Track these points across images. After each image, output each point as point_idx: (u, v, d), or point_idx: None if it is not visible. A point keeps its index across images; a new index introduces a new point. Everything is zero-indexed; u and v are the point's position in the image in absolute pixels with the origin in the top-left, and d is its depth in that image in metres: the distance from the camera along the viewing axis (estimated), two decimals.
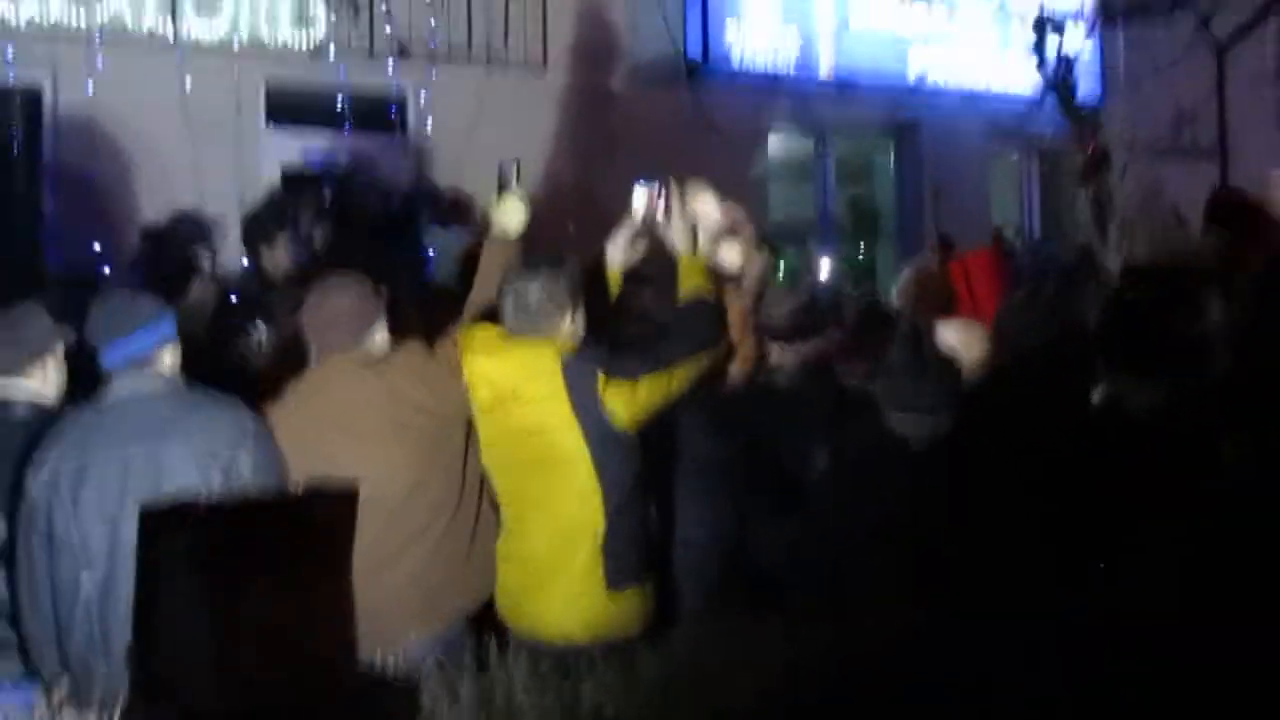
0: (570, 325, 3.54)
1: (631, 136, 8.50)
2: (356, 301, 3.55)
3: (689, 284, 3.62)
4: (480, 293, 3.78)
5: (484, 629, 3.65)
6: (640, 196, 3.91)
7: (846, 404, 3.83)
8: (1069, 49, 9.14)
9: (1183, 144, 10.91)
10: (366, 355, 3.54)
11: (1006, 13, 9.84)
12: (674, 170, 8.52)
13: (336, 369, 3.54)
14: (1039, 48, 9.21)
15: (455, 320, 3.80)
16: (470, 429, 3.60)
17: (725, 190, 9.11)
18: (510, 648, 3.50)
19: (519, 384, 3.43)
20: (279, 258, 5.54)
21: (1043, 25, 9.21)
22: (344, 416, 3.46)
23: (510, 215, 3.90)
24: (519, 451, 3.50)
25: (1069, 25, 9.24)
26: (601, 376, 3.36)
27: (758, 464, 3.74)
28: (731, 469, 3.68)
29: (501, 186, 3.95)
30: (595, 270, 3.96)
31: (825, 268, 9.11)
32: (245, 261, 5.87)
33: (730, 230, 3.94)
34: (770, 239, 8.51)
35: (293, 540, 2.47)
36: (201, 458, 3.14)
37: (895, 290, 5.58)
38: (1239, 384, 3.25)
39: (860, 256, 10.79)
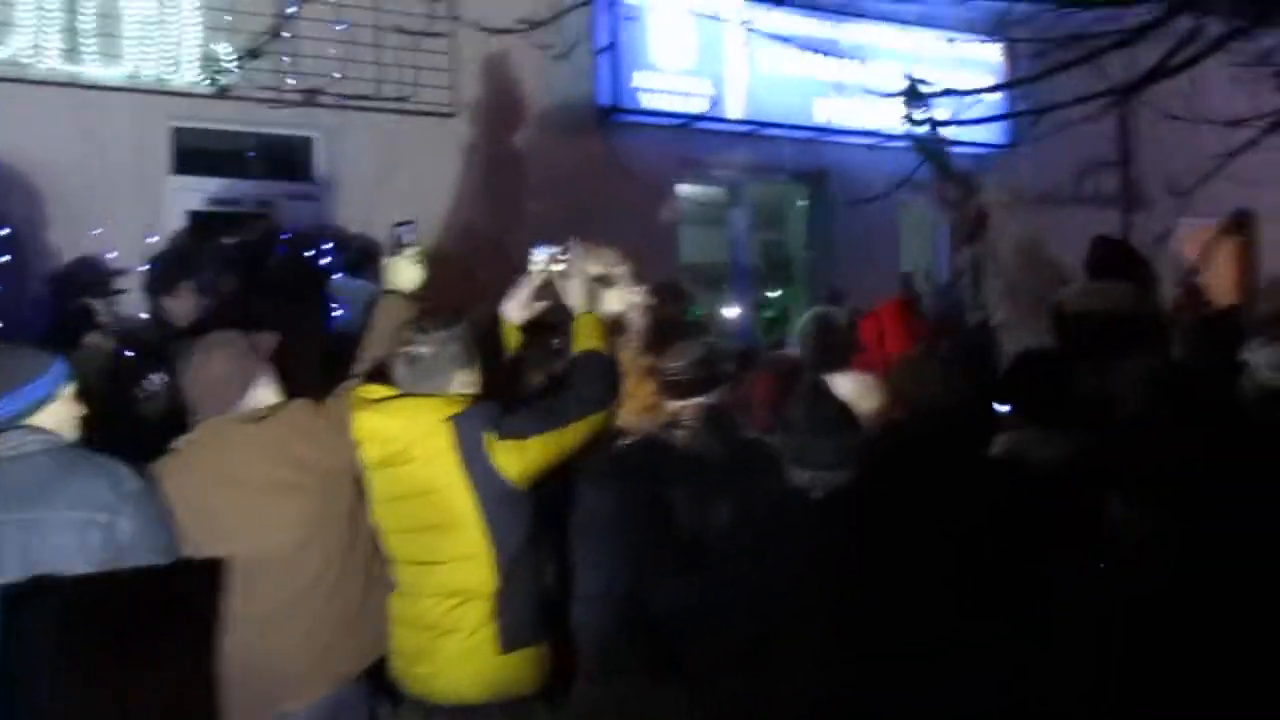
0: (462, 382, 3.49)
1: (543, 183, 8.51)
2: (232, 364, 3.48)
3: (584, 341, 3.60)
4: (371, 349, 3.73)
5: (378, 689, 3.61)
6: (539, 257, 3.89)
7: (748, 458, 3.82)
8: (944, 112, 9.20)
9: (1085, 193, 11.16)
10: (249, 413, 3.48)
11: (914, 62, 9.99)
12: (586, 216, 8.60)
13: (219, 427, 3.47)
14: (909, 115, 9.27)
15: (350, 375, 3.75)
16: (360, 485, 3.54)
17: (637, 236, 9.20)
18: (405, 706, 3.48)
19: (407, 443, 3.37)
20: (181, 306, 5.44)
21: (912, 91, 9.23)
22: (228, 474, 3.38)
23: (403, 275, 3.87)
24: (408, 511, 3.44)
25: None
26: (490, 434, 3.31)
27: (657, 518, 3.71)
28: (630, 523, 3.64)
29: (396, 247, 3.92)
30: (493, 323, 3.93)
31: (733, 315, 9.18)
32: (147, 310, 5.75)
33: (608, 277, 3.93)
34: (681, 285, 8.57)
35: (159, 612, 2.40)
36: (79, 522, 3.03)
37: (797, 339, 5.63)
38: (1132, 441, 3.29)
39: (772, 303, 10.84)
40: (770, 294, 10.87)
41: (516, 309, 3.96)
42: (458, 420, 3.34)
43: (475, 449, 3.31)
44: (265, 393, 3.53)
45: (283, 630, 3.39)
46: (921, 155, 8.97)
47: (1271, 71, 9.67)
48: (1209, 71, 8.83)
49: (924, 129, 8.87)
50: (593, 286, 3.78)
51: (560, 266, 3.83)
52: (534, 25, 6.40)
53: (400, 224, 4.00)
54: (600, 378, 3.51)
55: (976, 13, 9.59)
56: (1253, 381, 5.01)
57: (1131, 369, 4.12)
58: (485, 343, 3.68)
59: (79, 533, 3.02)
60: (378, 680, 3.58)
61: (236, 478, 3.39)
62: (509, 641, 3.35)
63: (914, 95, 9.05)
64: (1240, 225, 6.17)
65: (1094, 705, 2.80)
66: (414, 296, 3.88)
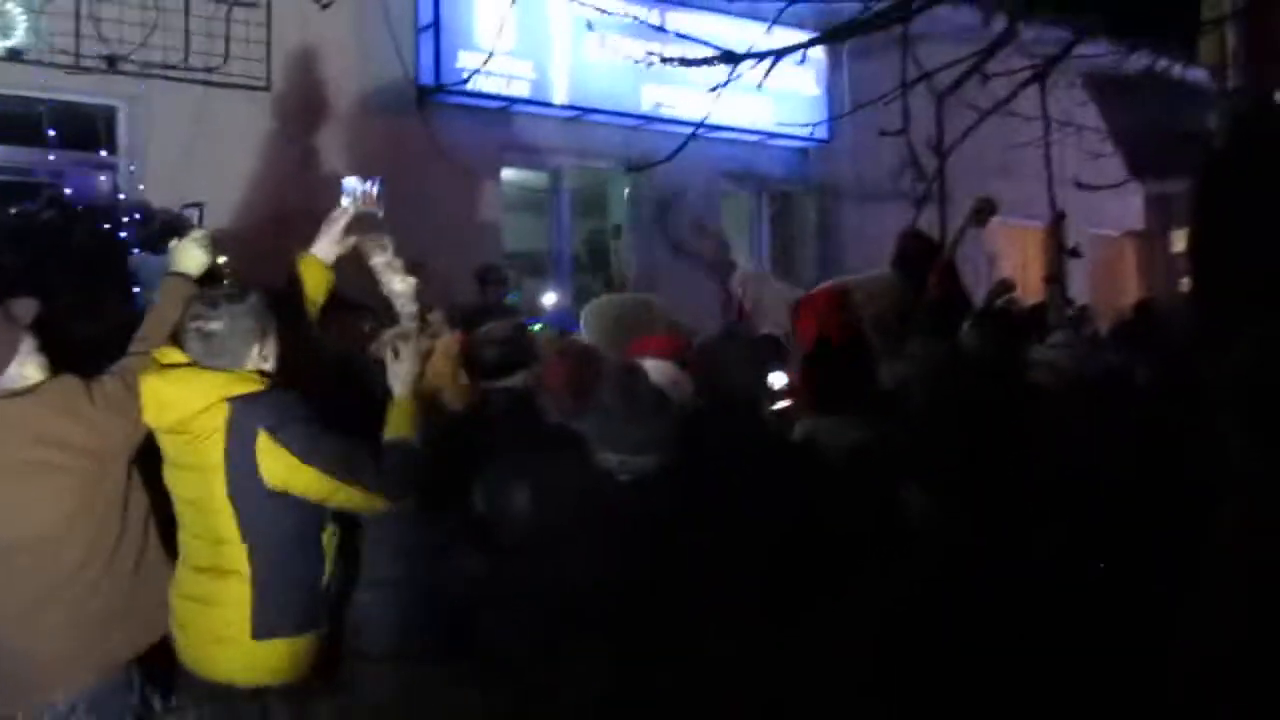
0: (256, 358, 3.34)
1: (360, 163, 8.27)
2: None
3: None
4: (151, 328, 3.53)
5: (153, 673, 3.45)
6: (352, 190, 3.83)
7: (551, 441, 3.76)
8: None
9: (903, 189, 11.43)
10: (5, 389, 3.26)
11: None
12: (405, 199, 8.42)
13: None
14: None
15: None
16: (134, 468, 3.39)
17: (458, 221, 9.07)
18: (179, 691, 3.34)
19: (185, 415, 3.21)
20: None
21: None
22: None
23: (189, 259, 3.70)
24: (182, 480, 3.31)
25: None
26: (265, 434, 3.17)
27: (455, 501, 3.64)
28: (427, 506, 3.55)
29: (181, 230, 3.77)
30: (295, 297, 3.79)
31: (550, 301, 9.12)
32: None
33: (386, 263, 3.86)
34: (500, 270, 8.49)
35: None
36: None
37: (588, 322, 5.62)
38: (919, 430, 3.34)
39: (594, 291, 10.83)
40: (592, 281, 10.88)
41: (329, 245, 3.83)
42: (236, 405, 3.19)
43: (244, 440, 3.17)
44: (27, 366, 3.30)
45: (44, 618, 3.24)
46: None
47: (1077, 80, 10.10)
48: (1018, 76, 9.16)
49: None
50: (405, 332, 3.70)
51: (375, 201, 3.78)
52: None
53: (188, 205, 3.85)
54: (406, 476, 3.36)
55: (803, 9, 9.72)
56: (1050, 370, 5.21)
57: (917, 359, 4.24)
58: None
59: None
60: (154, 663, 3.44)
61: None
62: (263, 629, 3.23)
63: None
64: (1057, 227, 6.44)
65: (882, 693, 2.82)
66: (199, 281, 3.70)
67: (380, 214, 3.87)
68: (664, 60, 6.04)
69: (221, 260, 3.88)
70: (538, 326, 7.63)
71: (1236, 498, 2.63)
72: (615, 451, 3.34)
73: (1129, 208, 15.04)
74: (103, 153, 7.62)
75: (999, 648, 2.67)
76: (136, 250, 6.22)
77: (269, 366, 3.37)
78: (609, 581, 3.23)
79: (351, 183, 3.85)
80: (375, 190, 3.85)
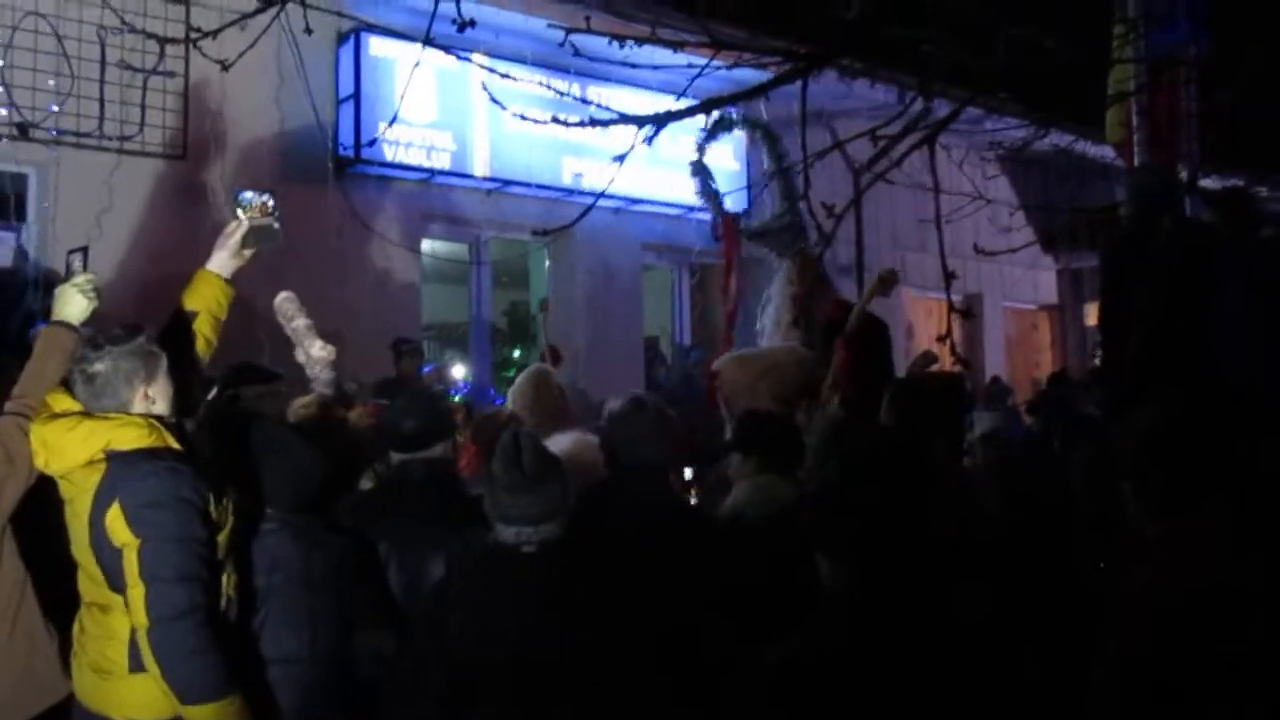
0: (145, 398, 3.25)
1: (283, 216, 8.20)
2: None
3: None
4: (27, 385, 3.43)
5: None
6: (248, 203, 3.78)
7: (465, 513, 3.72)
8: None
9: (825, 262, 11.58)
10: None
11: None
12: (323, 269, 8.35)
13: None
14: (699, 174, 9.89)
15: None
16: (5, 531, 3.35)
17: (377, 291, 9.02)
18: None
19: (70, 467, 3.17)
20: None
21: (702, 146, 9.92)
22: None
23: (71, 305, 3.59)
24: (69, 522, 3.24)
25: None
26: (116, 505, 3.09)
27: (366, 575, 3.58)
28: (336, 580, 3.49)
29: (67, 275, 3.67)
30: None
31: (461, 372, 9.08)
32: None
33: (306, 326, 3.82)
34: (416, 342, 8.45)
35: None
36: None
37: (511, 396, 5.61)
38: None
39: (513, 362, 10.82)
40: (513, 353, 10.86)
41: (226, 258, 3.76)
42: (114, 462, 3.13)
43: (104, 500, 3.10)
44: None
45: None
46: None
47: (995, 154, 10.33)
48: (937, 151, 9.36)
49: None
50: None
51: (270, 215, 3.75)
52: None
53: (73, 251, 3.75)
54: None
55: (718, 83, 9.85)
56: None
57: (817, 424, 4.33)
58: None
59: None
60: None
61: None
62: (140, 664, 3.12)
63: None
64: (885, 282, 6.60)
65: None
66: (80, 328, 3.57)
67: (276, 225, 3.80)
68: (570, 125, 6.12)
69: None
70: (455, 398, 7.61)
71: (1137, 562, 2.69)
72: (508, 524, 3.27)
73: (1043, 282, 15.36)
74: (11, 221, 7.50)
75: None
76: (40, 322, 6.11)
77: (159, 409, 3.27)
78: (514, 653, 3.17)
79: (247, 196, 3.80)
80: (270, 202, 3.78)
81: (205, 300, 3.73)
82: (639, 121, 3.98)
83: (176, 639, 3.04)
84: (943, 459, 3.95)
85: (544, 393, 5.51)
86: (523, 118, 4.41)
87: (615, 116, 3.92)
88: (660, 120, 3.95)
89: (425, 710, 3.25)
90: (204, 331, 3.72)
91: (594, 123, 3.86)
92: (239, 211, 3.79)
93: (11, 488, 3.30)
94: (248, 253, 3.80)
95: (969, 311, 8.73)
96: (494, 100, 4.40)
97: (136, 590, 3.07)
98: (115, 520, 3.08)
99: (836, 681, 2.50)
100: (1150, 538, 2.77)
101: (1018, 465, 5.82)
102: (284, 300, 5.70)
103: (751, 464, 4.31)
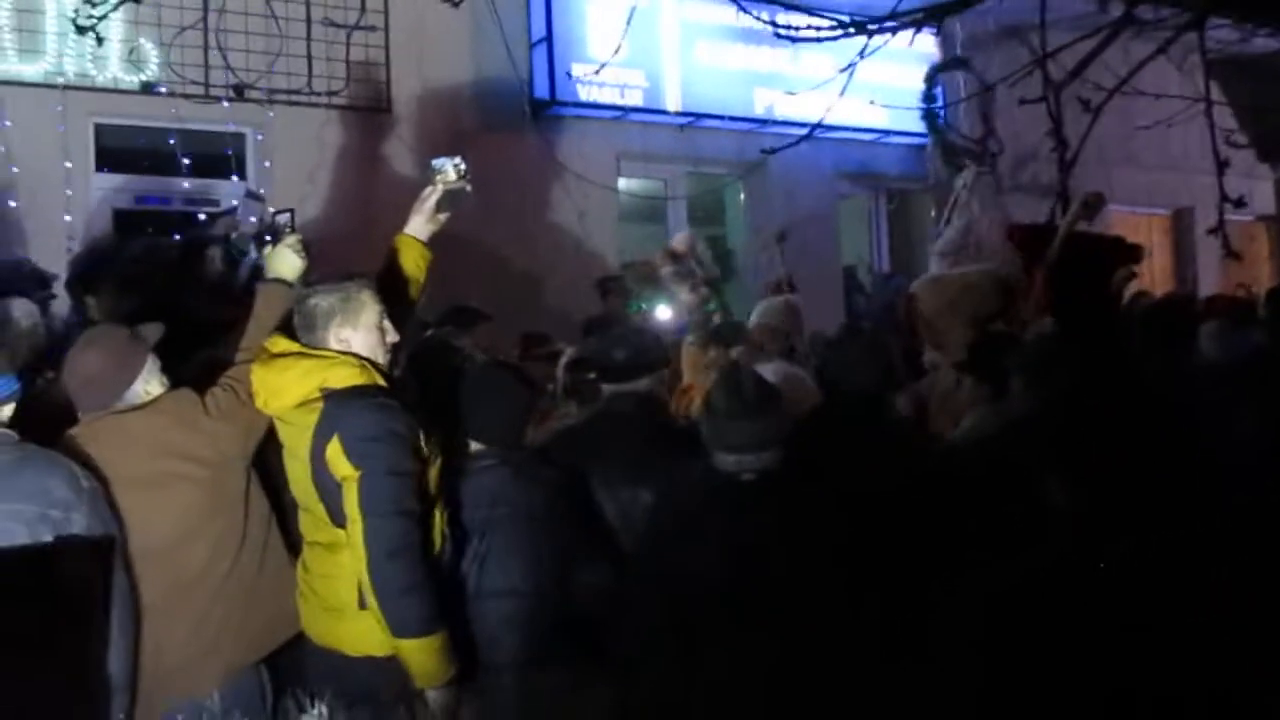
0: (341, 339, 3.43)
1: (478, 178, 8.35)
2: (109, 358, 3.40)
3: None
4: (251, 338, 3.62)
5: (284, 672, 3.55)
6: (442, 169, 3.90)
7: (676, 444, 3.77)
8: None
9: (1024, 182, 11.22)
10: (129, 405, 3.41)
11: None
12: (523, 211, 8.51)
13: (97, 421, 3.40)
14: (927, 98, 9.81)
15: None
16: (251, 471, 3.52)
17: (575, 231, 9.15)
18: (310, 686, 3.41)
19: (289, 405, 3.37)
20: (106, 305, 5.31)
21: (932, 77, 9.82)
22: (111, 468, 3.30)
23: (285, 264, 3.78)
24: (288, 467, 3.46)
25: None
26: (336, 439, 3.24)
27: (579, 508, 3.67)
28: (551, 514, 3.58)
29: (275, 236, 3.85)
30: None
31: (669, 313, 9.11)
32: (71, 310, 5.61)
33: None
34: (623, 279, 8.52)
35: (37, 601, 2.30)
36: (32, 516, 2.96)
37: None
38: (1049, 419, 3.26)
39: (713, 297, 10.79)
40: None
41: (422, 223, 3.91)
42: (330, 401, 3.30)
43: (322, 437, 3.27)
44: (150, 384, 3.46)
45: (168, 623, 3.34)
46: (932, 133, 9.38)
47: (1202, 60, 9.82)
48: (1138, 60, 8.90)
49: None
50: None
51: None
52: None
53: (279, 212, 3.92)
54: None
55: (911, 3, 9.61)
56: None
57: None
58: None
59: (30, 526, 2.95)
60: (282, 665, 3.57)
61: (116, 470, 3.31)
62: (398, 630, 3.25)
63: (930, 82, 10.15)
64: (1089, 206, 6.29)
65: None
66: (295, 285, 3.77)
67: (468, 189, 3.91)
68: (783, 34, 6.04)
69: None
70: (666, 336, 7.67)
71: None
72: (728, 451, 3.32)
73: (1260, 192, 14.55)
74: (234, 179, 7.87)
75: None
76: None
77: (368, 351, 3.44)
78: (734, 581, 3.22)
79: (440, 162, 3.91)
80: (462, 166, 3.89)
81: (405, 263, 3.90)
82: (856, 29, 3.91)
83: (392, 574, 3.19)
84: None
85: (795, 320, 5.54)
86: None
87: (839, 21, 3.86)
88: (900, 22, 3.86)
89: (647, 641, 3.33)
90: (406, 293, 3.88)
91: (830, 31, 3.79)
92: (434, 177, 3.91)
93: (260, 424, 3.50)
94: (442, 217, 3.93)
95: (1237, 254, 8.31)
96: None
97: (356, 524, 3.22)
98: (335, 453, 3.23)
99: (1052, 603, 2.46)
100: None
101: None
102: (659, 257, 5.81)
103: (987, 389, 4.24)
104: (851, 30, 4.01)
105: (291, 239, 3.85)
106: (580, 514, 3.72)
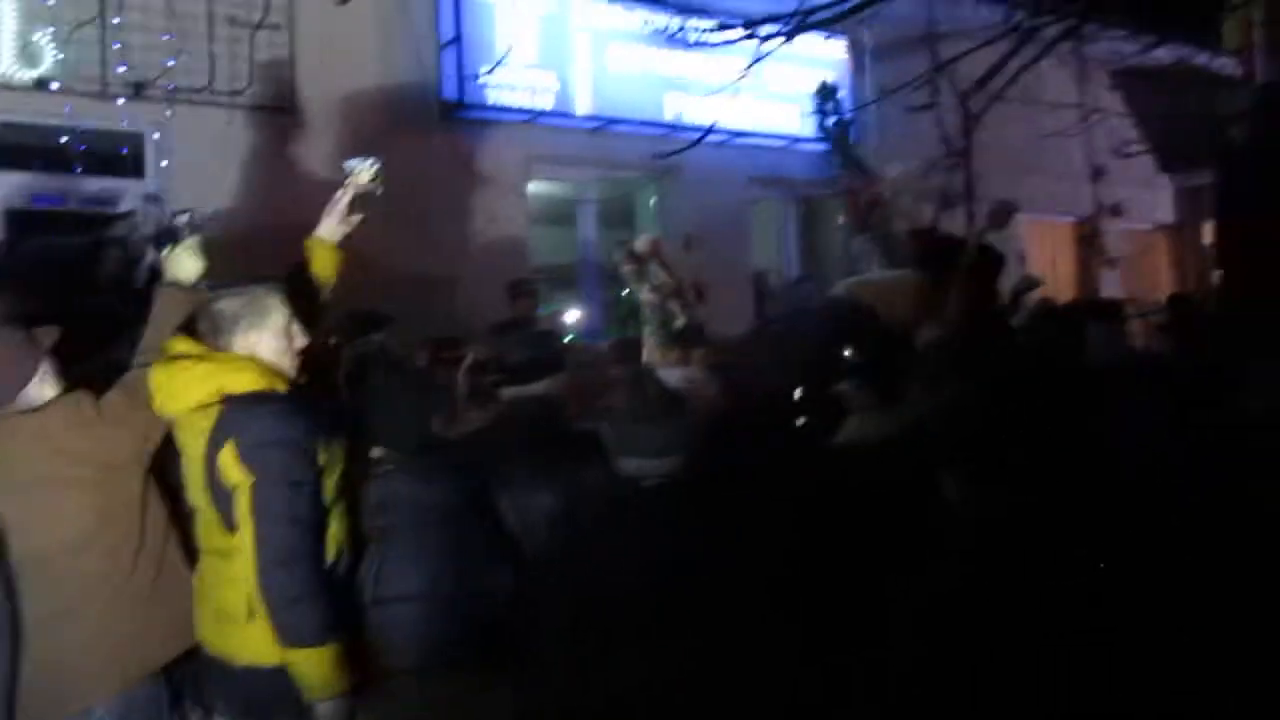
0: (247, 344, 3.36)
1: (388, 179, 8.28)
2: (7, 361, 3.30)
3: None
4: (149, 341, 3.52)
5: (182, 682, 3.46)
6: (354, 170, 3.89)
7: (577, 447, 3.74)
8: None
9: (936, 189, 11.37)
10: (22, 407, 3.30)
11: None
12: (432, 215, 8.43)
13: None
14: (820, 109, 9.90)
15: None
16: (149, 476, 3.43)
17: (485, 235, 9.08)
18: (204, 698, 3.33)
19: (186, 408, 3.29)
20: (0, 307, 5.17)
21: (824, 90, 9.91)
22: (3, 471, 3.23)
23: (183, 267, 3.68)
24: (185, 470, 3.36)
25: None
26: (230, 444, 3.17)
27: (481, 512, 3.62)
28: (453, 518, 3.53)
29: (176, 237, 3.76)
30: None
31: (577, 315, 9.11)
32: None
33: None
34: (533, 283, 8.49)
35: None
36: None
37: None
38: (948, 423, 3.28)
39: (624, 301, 10.81)
40: (621, 292, 10.86)
41: (334, 225, 3.88)
42: (227, 405, 3.23)
43: (218, 440, 3.20)
44: (45, 388, 3.35)
45: (67, 629, 3.26)
46: (834, 148, 9.53)
47: (1110, 69, 10.04)
48: (1048, 73, 9.07)
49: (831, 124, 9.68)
50: None
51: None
52: None
53: (179, 213, 3.83)
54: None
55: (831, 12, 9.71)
56: None
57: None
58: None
59: None
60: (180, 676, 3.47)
61: (8, 474, 3.23)
62: (288, 639, 3.16)
63: (825, 95, 10.20)
64: (997, 214, 6.40)
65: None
66: (194, 288, 3.65)
67: (379, 191, 3.90)
68: (686, 39, 6.08)
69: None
70: (568, 339, 7.65)
71: None
72: (632, 456, 3.30)
73: (1160, 201, 14.91)
74: (132, 179, 7.69)
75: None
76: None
77: (263, 355, 3.37)
78: (635, 587, 3.19)
79: (353, 163, 3.89)
80: (374, 169, 3.87)
81: (316, 266, 3.87)
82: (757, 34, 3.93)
83: (282, 582, 3.12)
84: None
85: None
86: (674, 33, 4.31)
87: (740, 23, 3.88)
88: (788, 29, 3.90)
89: (551, 646, 3.29)
90: (315, 297, 3.84)
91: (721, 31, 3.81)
92: (347, 179, 3.88)
93: (157, 428, 3.41)
94: (355, 219, 3.91)
95: (1112, 260, 8.46)
96: None
97: (247, 531, 3.15)
98: (229, 459, 3.16)
99: (974, 608, 2.48)
100: None
101: None
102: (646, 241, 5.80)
103: (867, 395, 4.23)
104: (745, 35, 4.04)
105: (190, 241, 3.74)
106: (482, 518, 3.67)
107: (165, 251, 3.72)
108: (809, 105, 10.26)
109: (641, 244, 5.82)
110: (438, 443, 3.82)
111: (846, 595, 3.22)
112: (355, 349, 4.26)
